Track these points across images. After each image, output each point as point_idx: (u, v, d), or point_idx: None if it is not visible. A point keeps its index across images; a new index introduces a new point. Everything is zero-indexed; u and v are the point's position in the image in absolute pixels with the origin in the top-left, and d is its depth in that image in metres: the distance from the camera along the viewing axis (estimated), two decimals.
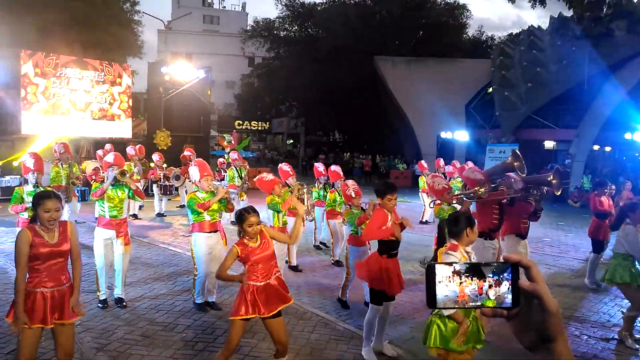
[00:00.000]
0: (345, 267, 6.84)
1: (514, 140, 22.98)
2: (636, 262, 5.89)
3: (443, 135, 25.87)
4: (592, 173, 21.54)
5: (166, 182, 13.23)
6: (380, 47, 30.19)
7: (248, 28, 42.47)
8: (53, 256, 3.79)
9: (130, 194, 6.64)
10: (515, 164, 7.31)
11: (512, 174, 7.22)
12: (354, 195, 6.97)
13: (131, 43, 28.14)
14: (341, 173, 9.28)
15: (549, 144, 25.55)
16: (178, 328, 5.81)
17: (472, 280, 1.01)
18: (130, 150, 12.60)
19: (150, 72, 19.56)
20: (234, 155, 12.60)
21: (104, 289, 6.46)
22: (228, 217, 12.88)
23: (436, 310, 3.94)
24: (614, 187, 12.16)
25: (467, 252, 4.01)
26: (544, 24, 26.54)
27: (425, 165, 13.78)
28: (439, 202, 6.72)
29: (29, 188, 6.95)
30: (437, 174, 9.40)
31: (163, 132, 18.31)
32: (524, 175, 7.19)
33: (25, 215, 6.84)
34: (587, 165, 21.78)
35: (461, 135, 24.88)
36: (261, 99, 43.70)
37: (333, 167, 9.56)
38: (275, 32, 37.83)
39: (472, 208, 6.89)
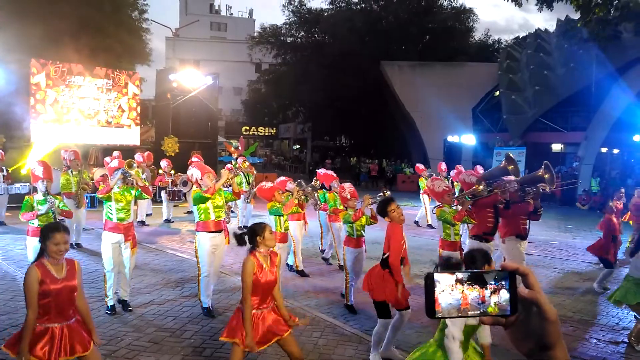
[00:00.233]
0: (344, 270, 6.90)
1: (521, 143, 22.90)
2: None
3: (450, 139, 25.82)
4: (600, 176, 21.42)
5: (174, 187, 13.31)
6: (386, 52, 30.22)
7: (255, 34, 42.67)
8: (62, 292, 3.78)
9: (137, 194, 6.73)
10: (510, 167, 7.42)
11: (506, 177, 7.31)
12: (349, 197, 7.14)
13: (139, 51, 28.35)
14: (334, 174, 9.36)
15: (556, 147, 25.43)
16: (186, 334, 5.84)
17: (474, 287, 1.02)
18: (138, 157, 12.68)
19: (159, 79, 19.70)
20: (241, 160, 12.67)
21: (112, 294, 6.50)
22: (236, 223, 12.95)
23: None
24: (623, 190, 12.11)
25: None
26: (551, 27, 26.45)
27: (422, 167, 13.83)
28: (440, 204, 6.75)
29: (39, 197, 7.01)
30: (437, 177, 9.46)
31: (171, 138, 18.42)
32: (518, 178, 7.34)
33: (36, 223, 6.90)
34: (595, 168, 21.67)
35: (468, 139, 24.82)
36: (268, 104, 43.85)
37: (323, 171, 9.61)
38: (282, 38, 37.99)
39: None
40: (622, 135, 20.80)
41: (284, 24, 37.69)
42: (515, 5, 12.71)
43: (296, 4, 36.50)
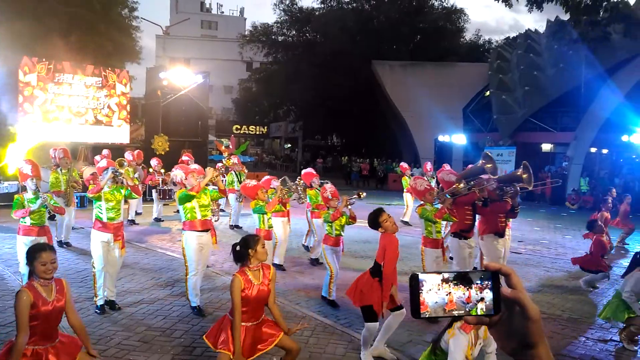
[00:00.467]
0: (328, 266, 7.03)
1: (511, 143, 23.03)
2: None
3: (441, 138, 25.91)
4: (589, 175, 21.60)
5: (165, 186, 13.24)
6: (377, 52, 30.27)
7: (246, 33, 42.57)
8: (51, 314, 3.75)
9: (127, 193, 6.72)
10: (487, 166, 7.58)
11: (484, 175, 7.46)
12: (331, 197, 7.23)
13: (129, 49, 28.20)
14: (314, 172, 9.43)
15: (546, 147, 25.60)
16: (176, 333, 5.81)
17: (459, 287, 1.03)
18: (128, 155, 12.60)
19: (149, 78, 19.58)
20: (232, 159, 12.63)
21: (102, 294, 6.46)
22: (227, 221, 12.91)
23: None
24: (614, 190, 12.26)
25: (475, 338, 4.02)
26: (541, 27, 26.63)
27: (406, 166, 13.97)
28: (422, 202, 6.90)
29: (29, 195, 6.95)
30: (419, 175, 9.61)
31: (161, 137, 18.31)
32: (496, 177, 7.51)
33: (28, 222, 6.86)
34: (584, 168, 21.85)
35: (459, 139, 24.92)
36: (259, 103, 43.79)
37: (304, 171, 9.68)
38: (273, 37, 37.93)
39: None
40: (611, 135, 20.98)
41: (275, 22, 37.66)
42: (506, 5, 12.73)
43: (287, 2, 36.49)
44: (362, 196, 7.20)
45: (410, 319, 6.35)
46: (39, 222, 6.95)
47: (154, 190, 13.53)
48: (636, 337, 5.90)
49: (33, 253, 3.81)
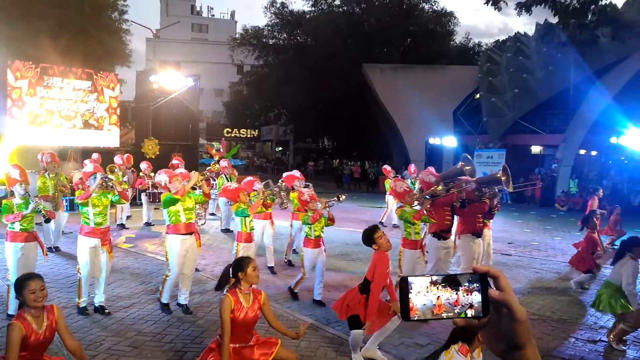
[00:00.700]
0: (302, 268, 7.20)
1: (501, 145, 23.19)
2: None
3: (431, 141, 26.03)
4: (578, 177, 21.78)
5: (154, 190, 13.16)
6: (368, 55, 30.38)
7: (237, 36, 42.55)
8: (40, 345, 3.73)
9: (114, 199, 6.71)
10: (466, 168, 7.74)
11: (463, 177, 7.60)
12: (309, 200, 7.26)
13: (119, 52, 28.09)
14: (295, 174, 9.44)
15: (535, 149, 25.81)
16: (167, 338, 5.78)
17: (447, 289, 1.04)
18: (117, 159, 12.52)
19: (139, 81, 19.49)
20: (223, 163, 12.58)
21: (86, 296, 6.46)
22: (218, 225, 12.87)
23: None
24: (601, 190, 12.35)
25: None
26: (530, 30, 26.85)
27: (389, 169, 14.00)
28: (401, 204, 7.02)
29: (17, 200, 6.87)
30: (399, 177, 9.72)
31: (151, 140, 18.22)
32: (475, 178, 7.69)
33: (17, 227, 6.78)
34: (573, 170, 22.03)
35: (449, 141, 25.04)
36: (250, 106, 43.74)
37: (285, 173, 9.72)
38: (264, 40, 37.95)
39: None
40: (599, 137, 21.18)
41: (266, 25, 37.71)
42: (495, 9, 12.84)
43: (278, 6, 36.58)
44: (341, 199, 7.32)
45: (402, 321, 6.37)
46: (28, 227, 6.88)
47: (143, 194, 13.44)
48: (625, 338, 5.95)
49: (21, 283, 3.77)
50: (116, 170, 11.99)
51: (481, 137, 24.78)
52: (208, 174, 12.49)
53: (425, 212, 6.73)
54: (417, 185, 10.92)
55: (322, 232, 7.22)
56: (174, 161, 13.36)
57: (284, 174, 9.65)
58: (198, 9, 59.46)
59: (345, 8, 35.70)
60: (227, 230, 12.47)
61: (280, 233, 10.88)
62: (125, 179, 12.29)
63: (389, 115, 27.15)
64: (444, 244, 7.29)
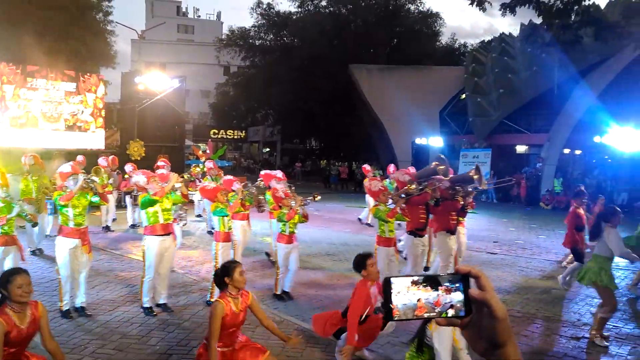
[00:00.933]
0: (276, 264, 7.33)
1: (487, 145, 23.36)
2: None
3: (418, 141, 26.13)
4: (563, 176, 22.00)
5: (140, 192, 13.06)
6: (355, 55, 30.40)
7: (223, 37, 42.39)
8: (22, 341, 3.69)
9: (95, 200, 6.74)
10: (440, 168, 7.97)
11: (437, 176, 7.80)
12: (283, 197, 7.38)
13: (104, 53, 27.85)
14: (272, 173, 9.45)
15: (521, 149, 26.02)
16: (152, 341, 5.74)
17: (427, 289, 1.05)
18: (102, 161, 12.41)
19: (124, 82, 19.34)
20: (209, 164, 12.54)
21: (68, 299, 6.41)
22: (204, 227, 12.82)
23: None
24: (582, 187, 12.47)
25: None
26: (515, 31, 27.07)
27: (369, 168, 14.11)
28: (376, 203, 7.27)
29: None
30: (375, 177, 9.86)
31: (137, 142, 18.08)
32: (448, 178, 7.93)
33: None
34: (558, 169, 22.25)
35: (436, 141, 25.16)
36: (237, 107, 43.57)
37: (263, 172, 9.78)
38: (250, 40, 37.82)
39: None
40: (583, 136, 21.40)
41: (252, 26, 37.55)
42: (480, 10, 12.90)
43: (264, 6, 36.44)
44: (316, 198, 7.48)
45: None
46: (9, 231, 6.82)
47: (128, 197, 13.33)
48: (607, 334, 6.02)
49: (7, 277, 3.73)
50: (102, 171, 11.90)
51: (467, 137, 24.93)
52: (189, 176, 12.42)
53: (399, 210, 6.97)
54: (394, 185, 11.04)
55: (296, 228, 7.38)
56: (160, 163, 13.26)
57: (262, 172, 9.69)
58: (184, 10, 59.15)
59: (331, 9, 35.71)
60: (212, 231, 12.42)
61: (255, 233, 10.88)
62: (110, 181, 12.19)
63: (375, 115, 27.21)
64: (420, 241, 7.56)
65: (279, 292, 7.38)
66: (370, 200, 14.04)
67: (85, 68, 21.23)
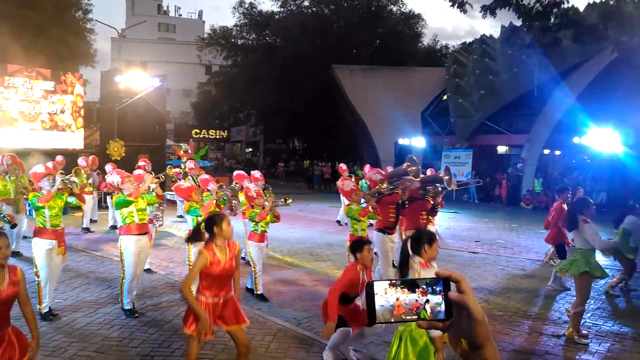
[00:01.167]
0: (252, 263, 7.32)
1: (468, 146, 23.57)
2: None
3: (401, 141, 26.27)
4: (543, 176, 22.30)
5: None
6: (338, 56, 30.47)
7: (205, 36, 42.12)
8: (1, 303, 3.60)
9: (73, 201, 6.67)
10: (411, 169, 8.20)
11: (408, 177, 8.10)
12: (255, 196, 7.37)
13: (84, 52, 27.49)
14: (244, 174, 9.45)
15: (501, 149, 26.32)
16: (134, 342, 5.67)
17: (404, 291, 1.07)
18: (81, 161, 12.23)
19: (104, 81, 19.08)
20: (190, 164, 12.43)
21: (47, 301, 6.32)
22: (185, 227, 12.70)
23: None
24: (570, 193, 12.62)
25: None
26: (496, 33, 27.39)
27: (345, 167, 14.16)
28: (348, 202, 7.40)
29: None
30: (348, 177, 9.97)
31: (117, 142, 17.85)
32: (418, 179, 8.15)
33: None
34: (538, 169, 22.56)
35: (418, 142, 25.32)
36: (219, 107, 43.34)
37: (236, 172, 9.75)
38: (232, 40, 37.66)
39: None
40: (563, 137, 21.72)
41: (234, 25, 37.41)
42: (461, 11, 13.02)
43: (247, 6, 36.32)
44: (287, 202, 7.48)
45: None
46: None
47: (108, 197, 13.16)
48: (586, 332, 6.11)
49: None
50: (82, 172, 11.72)
51: (449, 137, 25.14)
52: (172, 176, 12.30)
53: (371, 209, 7.10)
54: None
55: (268, 227, 7.44)
56: (141, 163, 13.12)
57: (235, 172, 9.64)
58: (165, 8, 58.69)
59: (314, 9, 35.73)
60: None
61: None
62: (90, 181, 12.03)
63: (358, 116, 27.29)
64: (389, 238, 7.69)
65: (260, 292, 7.35)
66: (344, 199, 14.15)
67: (65, 67, 20.94)
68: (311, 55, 31.12)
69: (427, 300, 1.06)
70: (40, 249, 6.33)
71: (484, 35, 27.80)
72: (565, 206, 8.64)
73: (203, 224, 4.45)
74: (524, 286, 8.50)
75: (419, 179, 8.19)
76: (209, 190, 7.65)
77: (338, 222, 14.66)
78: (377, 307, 1.05)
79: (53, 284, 6.52)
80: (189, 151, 16.58)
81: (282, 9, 36.03)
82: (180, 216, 14.21)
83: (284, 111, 33.44)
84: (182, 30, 55.48)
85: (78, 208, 11.46)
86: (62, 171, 9.68)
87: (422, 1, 40.30)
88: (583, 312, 6.13)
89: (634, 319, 6.92)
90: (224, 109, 43.05)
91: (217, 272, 4.22)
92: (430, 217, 8.70)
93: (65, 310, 6.62)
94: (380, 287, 1.07)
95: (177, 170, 13.25)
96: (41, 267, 6.31)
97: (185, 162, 13.72)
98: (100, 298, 7.26)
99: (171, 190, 10.93)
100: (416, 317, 1.06)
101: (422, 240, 4.20)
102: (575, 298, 6.23)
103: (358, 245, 5.15)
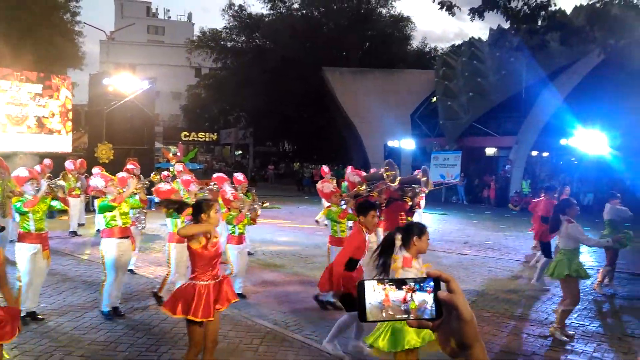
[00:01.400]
0: (230, 265, 7.36)
1: (457, 148, 23.68)
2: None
3: (390, 143, 26.35)
4: (530, 178, 22.46)
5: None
6: (328, 58, 30.54)
7: (194, 38, 42.01)
8: None
9: (58, 206, 6.64)
10: (389, 173, 8.33)
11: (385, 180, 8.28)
12: (232, 199, 7.35)
13: (72, 54, 27.32)
14: (225, 176, 9.48)
15: (490, 151, 26.48)
16: (121, 347, 5.62)
17: (392, 288, 1.08)
18: (69, 164, 12.13)
19: (92, 84, 18.95)
20: (179, 167, 12.36)
21: (27, 305, 6.25)
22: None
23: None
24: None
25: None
26: (484, 35, 27.55)
27: (327, 170, 14.17)
28: (328, 204, 7.49)
29: None
30: (327, 179, 10.05)
31: (105, 145, 17.73)
32: (395, 183, 8.31)
33: None
34: (526, 170, 22.71)
35: (407, 144, 25.41)
36: (208, 109, 43.24)
37: (215, 174, 9.76)
38: (222, 42, 37.61)
39: None
40: (550, 138, 21.91)
41: (224, 28, 37.37)
42: (450, 14, 13.07)
43: (236, 8, 36.31)
44: (264, 205, 7.61)
45: None
46: None
47: (96, 200, 13.05)
48: (572, 332, 6.15)
49: None
50: (70, 177, 11.65)
51: (438, 139, 25.25)
52: (160, 179, 12.23)
53: (350, 211, 7.14)
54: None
55: (245, 230, 7.51)
56: (129, 166, 13.04)
57: (214, 175, 9.62)
58: (154, 10, 58.47)
59: (304, 12, 35.78)
60: None
61: None
62: (78, 184, 11.94)
63: (348, 118, 27.35)
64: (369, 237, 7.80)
65: (240, 292, 7.32)
66: (324, 201, 14.17)
67: (53, 69, 20.80)
68: (301, 58, 31.14)
69: (415, 299, 1.07)
70: (24, 254, 6.27)
71: (472, 38, 27.96)
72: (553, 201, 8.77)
73: (191, 209, 4.58)
74: (511, 287, 8.55)
75: (396, 183, 8.32)
76: (189, 191, 7.66)
77: (317, 221, 14.61)
78: (367, 304, 1.07)
79: (37, 288, 6.45)
80: (178, 154, 16.50)
81: (271, 12, 36.08)
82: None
83: (273, 114, 33.41)
84: (172, 32, 55.32)
85: (65, 212, 11.36)
86: (49, 175, 9.60)
87: (411, 4, 40.54)
88: (570, 311, 6.18)
89: (620, 319, 6.99)
90: (213, 111, 42.95)
91: (206, 254, 4.37)
92: (409, 218, 8.81)
93: (52, 314, 6.56)
94: (370, 285, 1.09)
95: (166, 173, 13.18)
96: (24, 272, 6.24)
97: (174, 165, 13.64)
98: (86, 302, 7.19)
99: None
100: (406, 315, 1.07)
101: (412, 231, 4.09)
102: (562, 298, 6.26)
103: (364, 208, 5.35)
